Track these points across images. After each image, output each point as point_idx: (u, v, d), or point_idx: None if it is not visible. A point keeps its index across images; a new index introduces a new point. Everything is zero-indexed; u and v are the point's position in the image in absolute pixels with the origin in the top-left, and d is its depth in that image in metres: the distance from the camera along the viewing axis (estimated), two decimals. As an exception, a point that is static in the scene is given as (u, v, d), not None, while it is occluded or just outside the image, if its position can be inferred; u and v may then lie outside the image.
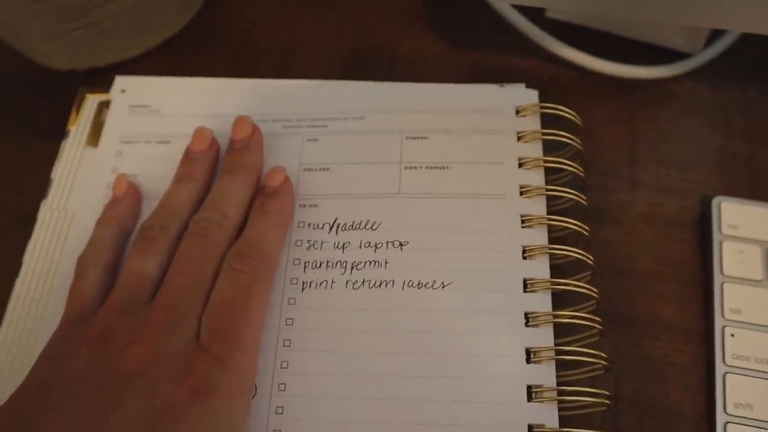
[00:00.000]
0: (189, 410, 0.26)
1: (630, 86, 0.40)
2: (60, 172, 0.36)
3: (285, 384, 0.30)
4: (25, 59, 0.42)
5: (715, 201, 0.36)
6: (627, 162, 0.38)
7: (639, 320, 0.35)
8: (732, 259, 0.34)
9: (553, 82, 0.41)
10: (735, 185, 0.38)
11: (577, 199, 0.33)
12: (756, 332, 0.33)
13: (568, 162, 0.34)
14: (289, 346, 0.31)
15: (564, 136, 0.34)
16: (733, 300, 0.34)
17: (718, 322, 0.33)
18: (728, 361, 0.33)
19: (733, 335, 0.33)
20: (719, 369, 0.32)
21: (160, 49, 0.43)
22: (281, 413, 0.30)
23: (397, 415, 0.29)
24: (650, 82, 0.41)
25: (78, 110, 0.38)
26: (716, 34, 0.41)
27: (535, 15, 0.42)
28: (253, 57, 0.43)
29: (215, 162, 0.35)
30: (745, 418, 0.31)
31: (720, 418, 0.32)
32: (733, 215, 0.35)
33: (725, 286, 0.34)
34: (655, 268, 0.36)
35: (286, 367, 0.30)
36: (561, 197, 0.34)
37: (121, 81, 0.39)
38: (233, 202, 0.33)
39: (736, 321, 0.33)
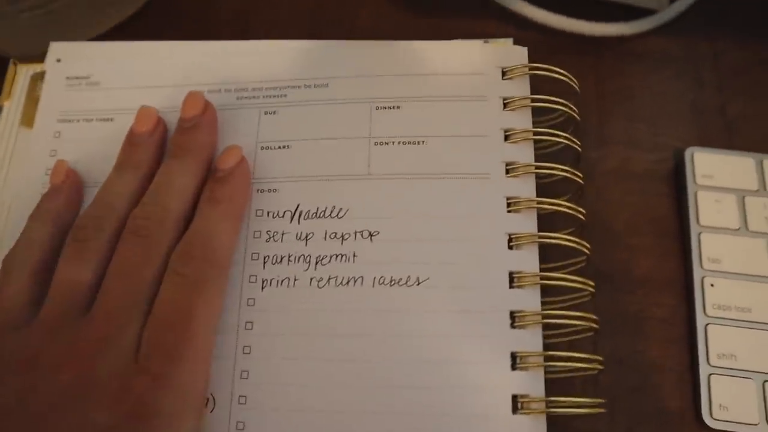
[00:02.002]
0: None
1: (596, 44, 0.39)
2: (-7, 156, 0.32)
3: (246, 396, 0.27)
4: None
5: (687, 152, 0.35)
6: (596, 119, 0.37)
7: (615, 275, 0.34)
8: (708, 208, 0.34)
9: (519, 42, 0.36)
10: (707, 137, 0.37)
11: (573, 177, 0.29)
12: (736, 281, 0.32)
13: (562, 133, 0.30)
14: (249, 353, 0.28)
15: (558, 103, 0.30)
16: (711, 250, 0.33)
17: (697, 273, 0.33)
18: (709, 311, 0.32)
19: (713, 285, 0.32)
20: (700, 320, 0.32)
21: (117, 31, 0.39)
22: (242, 429, 0.27)
23: (368, 426, 0.27)
24: (616, 39, 0.39)
25: (11, 84, 0.33)
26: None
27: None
28: (211, 35, 0.38)
29: (161, 145, 0.31)
30: (728, 368, 0.31)
31: (703, 370, 0.31)
32: (706, 165, 0.35)
33: (702, 236, 0.33)
34: (629, 222, 0.35)
35: (247, 378, 0.28)
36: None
37: (56, 48, 0.34)
38: (177, 192, 0.29)
39: (715, 271, 0.33)
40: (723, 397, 0.30)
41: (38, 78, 0.33)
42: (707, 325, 0.32)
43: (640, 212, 0.35)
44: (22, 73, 0.34)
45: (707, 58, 0.38)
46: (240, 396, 0.27)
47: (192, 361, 0.26)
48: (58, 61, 0.34)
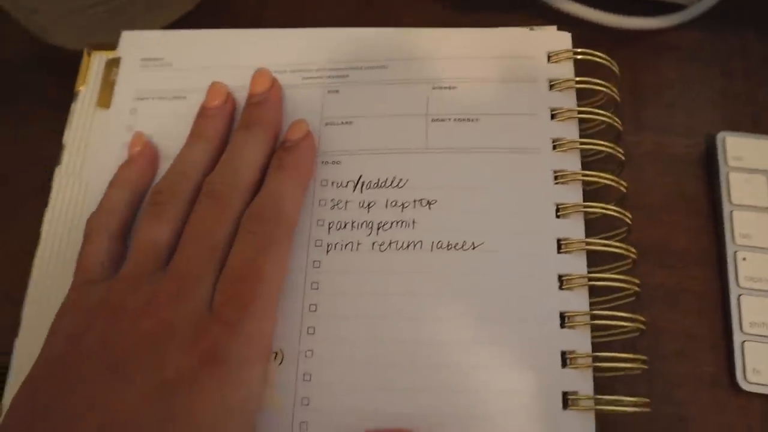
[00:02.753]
0: (201, 378, 0.26)
1: (631, 38, 0.41)
2: (72, 136, 0.34)
3: (312, 350, 0.29)
4: (38, 42, 0.41)
5: (719, 135, 0.38)
6: (632, 106, 0.39)
7: (652, 251, 0.36)
8: (739, 188, 0.36)
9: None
10: (737, 123, 0.39)
11: (615, 153, 0.31)
12: (766, 255, 0.35)
13: (604, 112, 0.32)
14: (315, 311, 0.30)
15: (600, 84, 0.32)
16: (742, 226, 0.35)
17: (730, 248, 0.35)
18: (742, 283, 0.34)
19: (744, 259, 0.35)
20: (734, 291, 0.34)
21: (175, 27, 0.41)
22: (309, 380, 0.29)
23: (427, 382, 0.29)
24: (650, 33, 0.42)
25: (86, 70, 0.36)
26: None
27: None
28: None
29: (231, 119, 0.33)
30: (761, 336, 0.33)
31: (737, 338, 0.33)
32: (737, 148, 0.37)
33: (734, 213, 0.36)
34: (665, 201, 0.37)
35: (313, 333, 0.30)
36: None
37: (128, 36, 0.36)
38: (248, 160, 0.31)
39: (747, 246, 0.35)
40: (756, 361, 0.32)
41: (112, 64, 0.36)
42: (740, 295, 0.34)
43: (675, 192, 0.37)
44: (96, 60, 0.36)
45: (735, 49, 0.41)
46: (307, 350, 0.29)
47: (261, 312, 0.28)
48: (131, 46, 0.36)
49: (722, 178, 0.36)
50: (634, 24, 0.40)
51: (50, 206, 0.33)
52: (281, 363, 0.29)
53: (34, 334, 0.30)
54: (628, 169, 0.36)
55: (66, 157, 0.34)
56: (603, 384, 0.29)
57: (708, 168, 0.38)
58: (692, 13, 0.41)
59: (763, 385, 0.32)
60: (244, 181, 0.31)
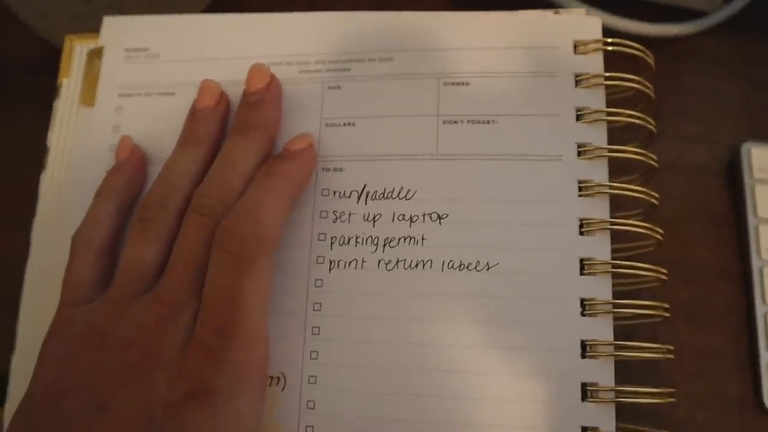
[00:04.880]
0: (188, 414, 0.24)
1: (651, 44, 0.37)
2: (56, 137, 0.32)
3: (316, 377, 0.28)
4: (47, 44, 0.40)
5: (744, 147, 0.36)
6: (651, 114, 0.35)
7: (672, 265, 0.32)
8: (765, 201, 0.35)
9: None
10: (760, 134, 0.37)
11: (648, 161, 0.28)
12: None
13: (639, 114, 0.28)
14: (318, 334, 0.28)
15: (636, 81, 0.29)
16: None
17: (756, 263, 0.34)
18: None
19: None
20: (760, 309, 0.33)
21: None
22: (313, 408, 0.28)
23: (438, 413, 0.27)
24: (670, 40, 0.40)
25: (68, 60, 0.33)
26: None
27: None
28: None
29: (224, 120, 0.31)
30: None
31: (764, 359, 0.32)
32: (763, 159, 0.36)
33: (761, 227, 0.34)
34: (685, 214, 0.36)
35: (316, 358, 0.28)
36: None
37: (111, 22, 0.33)
38: (241, 169, 0.28)
39: None
40: None
41: (95, 55, 0.32)
42: (767, 313, 0.32)
43: (696, 204, 0.36)
44: (78, 50, 0.33)
45: (757, 58, 0.40)
46: (310, 376, 0.28)
47: (245, 338, 0.26)
48: (115, 34, 0.33)
49: (747, 190, 0.35)
50: (653, 31, 0.39)
51: (38, 215, 0.31)
52: (283, 389, 0.28)
53: (28, 349, 0.29)
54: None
55: (51, 161, 0.32)
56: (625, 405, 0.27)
57: (731, 180, 0.36)
58: (714, 20, 0.40)
59: (792, 407, 0.30)
60: (236, 193, 0.28)
